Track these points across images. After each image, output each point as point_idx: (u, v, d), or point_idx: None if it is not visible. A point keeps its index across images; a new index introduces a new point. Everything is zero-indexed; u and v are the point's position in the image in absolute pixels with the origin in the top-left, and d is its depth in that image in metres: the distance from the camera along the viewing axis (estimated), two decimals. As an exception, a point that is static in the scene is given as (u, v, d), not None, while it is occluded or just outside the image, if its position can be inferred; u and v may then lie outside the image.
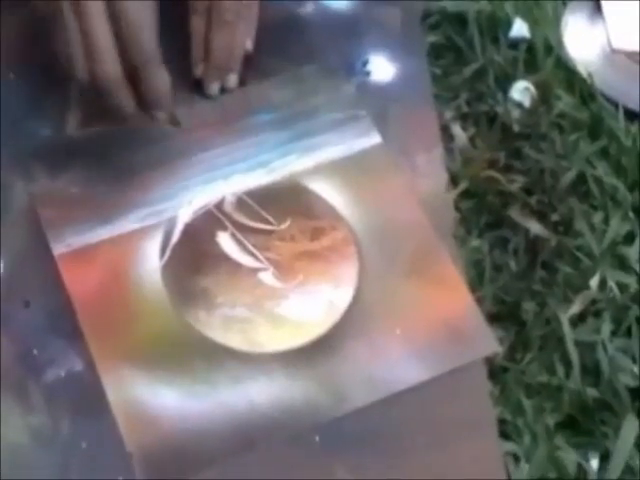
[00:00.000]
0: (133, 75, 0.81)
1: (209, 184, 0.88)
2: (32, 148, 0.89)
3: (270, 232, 0.86)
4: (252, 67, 0.95)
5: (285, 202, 0.88)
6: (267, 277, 0.84)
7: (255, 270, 0.84)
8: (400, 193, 0.89)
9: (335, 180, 0.90)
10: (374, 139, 0.92)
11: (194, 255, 0.85)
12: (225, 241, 0.85)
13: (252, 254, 0.85)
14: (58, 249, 0.83)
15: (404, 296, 0.84)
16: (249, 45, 0.94)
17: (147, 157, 0.89)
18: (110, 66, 0.80)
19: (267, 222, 0.87)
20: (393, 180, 0.90)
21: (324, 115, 0.93)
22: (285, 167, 0.90)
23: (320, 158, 0.91)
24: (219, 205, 0.87)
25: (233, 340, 0.80)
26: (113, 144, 0.89)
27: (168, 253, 0.84)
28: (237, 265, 0.84)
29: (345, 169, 0.90)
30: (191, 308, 0.82)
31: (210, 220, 0.86)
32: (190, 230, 0.86)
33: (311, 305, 0.83)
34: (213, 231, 0.86)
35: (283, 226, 0.87)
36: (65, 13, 0.80)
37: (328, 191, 0.89)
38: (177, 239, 0.85)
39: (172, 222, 0.86)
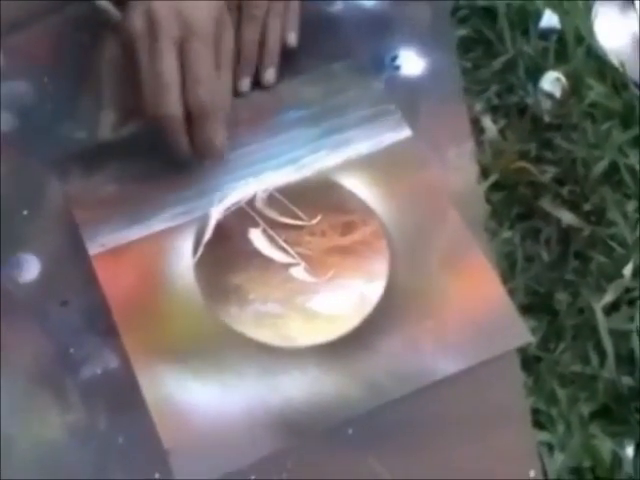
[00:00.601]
0: (192, 121, 0.84)
1: (240, 181, 0.89)
2: (66, 150, 0.90)
3: (301, 228, 0.87)
4: (284, 64, 0.95)
5: (316, 198, 0.89)
6: (299, 272, 0.84)
7: (287, 265, 0.85)
8: (431, 186, 0.90)
9: (365, 175, 0.90)
10: (404, 133, 0.92)
11: (226, 252, 0.85)
12: (257, 237, 0.86)
13: (284, 250, 0.85)
14: (93, 248, 0.85)
15: (436, 289, 0.84)
16: (292, 39, 0.94)
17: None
18: (173, 108, 0.83)
19: (298, 218, 0.87)
20: (424, 173, 0.91)
21: (354, 111, 0.94)
22: (315, 163, 0.91)
23: (350, 153, 0.91)
24: (250, 202, 0.88)
25: (265, 335, 0.81)
26: (145, 144, 0.90)
27: (201, 250, 0.85)
28: (269, 261, 0.85)
29: (375, 164, 0.91)
30: (224, 304, 0.82)
31: (242, 217, 0.87)
32: (222, 227, 0.87)
33: (343, 299, 0.83)
34: (245, 228, 0.87)
35: (314, 221, 0.87)
36: (139, 51, 0.83)
37: (358, 186, 0.90)
38: (209, 236, 0.86)
39: (204, 220, 0.87)
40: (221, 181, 0.89)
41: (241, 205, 0.88)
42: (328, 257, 0.85)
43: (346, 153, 0.91)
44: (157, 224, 0.86)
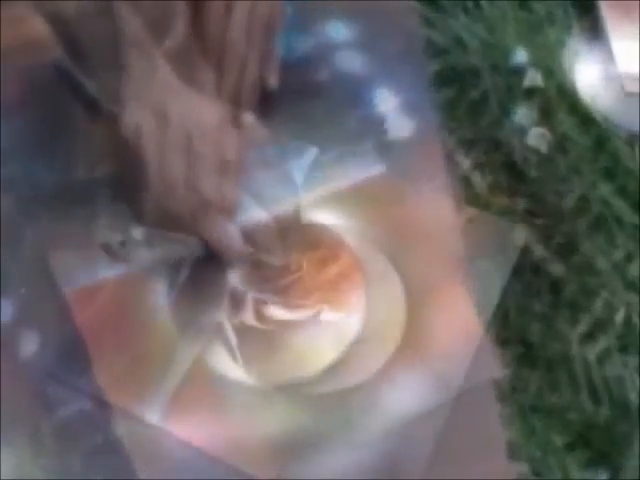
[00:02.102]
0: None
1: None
2: (41, 191, 0.90)
3: (278, 265, 0.87)
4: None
5: (292, 234, 0.89)
6: (275, 309, 0.85)
7: (263, 303, 0.85)
8: (406, 220, 0.90)
9: (341, 210, 0.91)
10: (378, 168, 0.93)
11: (202, 290, 0.86)
12: (233, 275, 0.86)
13: (260, 288, 0.86)
14: (68, 288, 0.84)
15: (412, 321, 0.84)
16: (272, 81, 0.95)
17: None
18: (179, 205, 0.84)
19: (275, 255, 0.88)
20: (398, 208, 0.91)
21: (329, 149, 0.95)
22: (291, 200, 0.91)
23: (326, 190, 0.92)
24: (227, 240, 0.88)
25: (242, 373, 0.81)
26: (119, 186, 0.90)
27: (177, 289, 0.85)
28: (245, 299, 0.85)
29: (350, 199, 0.91)
30: (200, 342, 0.83)
31: (218, 255, 0.87)
32: (199, 266, 0.87)
33: (320, 334, 0.84)
34: (221, 266, 0.87)
35: (291, 258, 0.87)
36: (146, 147, 0.84)
37: (334, 221, 0.90)
38: (185, 275, 0.86)
39: (181, 258, 0.87)
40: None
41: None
42: (305, 293, 0.86)
43: (322, 190, 0.92)
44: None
